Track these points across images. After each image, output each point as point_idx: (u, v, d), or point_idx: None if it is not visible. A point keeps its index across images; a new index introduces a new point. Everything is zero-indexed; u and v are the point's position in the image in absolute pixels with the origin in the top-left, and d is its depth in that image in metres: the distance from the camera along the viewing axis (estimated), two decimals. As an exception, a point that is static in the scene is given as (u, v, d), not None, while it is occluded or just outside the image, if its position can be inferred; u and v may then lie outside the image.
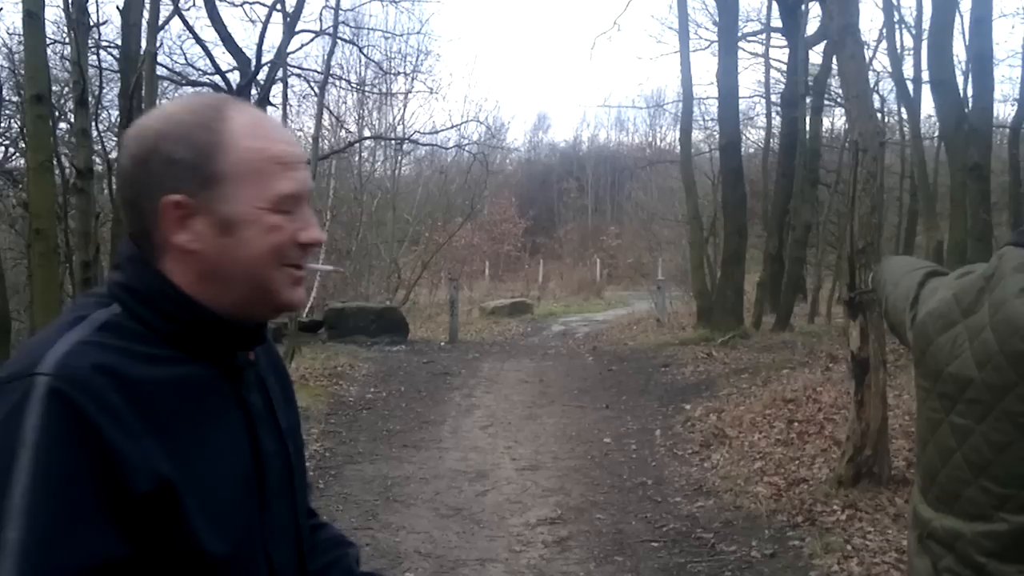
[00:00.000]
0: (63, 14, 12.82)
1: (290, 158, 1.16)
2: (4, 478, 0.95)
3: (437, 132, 23.13)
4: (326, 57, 18.25)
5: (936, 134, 17.74)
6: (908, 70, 18.38)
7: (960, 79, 13.90)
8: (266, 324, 1.24)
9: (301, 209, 1.16)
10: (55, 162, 11.20)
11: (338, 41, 18.05)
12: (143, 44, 11.00)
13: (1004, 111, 22.50)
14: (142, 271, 1.13)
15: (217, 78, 15.68)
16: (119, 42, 13.78)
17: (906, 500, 5.59)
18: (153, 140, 1.11)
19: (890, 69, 18.13)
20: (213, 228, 1.12)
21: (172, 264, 1.13)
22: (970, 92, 11.98)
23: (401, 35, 20.25)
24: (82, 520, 0.96)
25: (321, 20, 17.33)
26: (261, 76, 15.07)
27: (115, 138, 16.36)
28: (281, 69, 15.97)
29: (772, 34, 22.49)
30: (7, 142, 19.78)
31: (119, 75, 14.40)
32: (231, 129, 1.13)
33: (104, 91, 16.45)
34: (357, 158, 25.92)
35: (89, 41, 13.82)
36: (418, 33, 23.74)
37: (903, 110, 20.29)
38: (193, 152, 1.11)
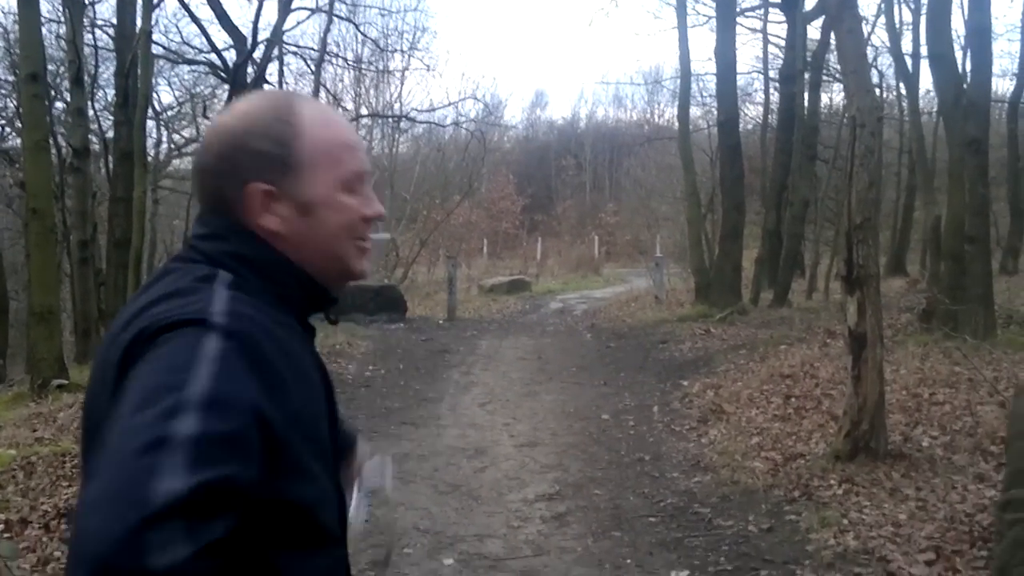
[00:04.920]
0: (57, -8, 12.77)
1: (355, 143, 1.29)
2: (181, 380, 0.96)
3: (434, 110, 23.17)
4: (322, 35, 18.26)
5: (934, 109, 17.72)
6: (907, 45, 18.36)
7: (959, 54, 13.87)
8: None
9: (362, 189, 1.28)
10: (51, 141, 11.20)
11: (334, 18, 18.03)
12: (138, 22, 10.95)
13: (1003, 86, 22.53)
14: (250, 241, 1.21)
15: (213, 56, 15.63)
16: (114, 20, 13.74)
17: (902, 475, 5.62)
18: (237, 136, 1.22)
19: (888, 44, 18.13)
20: (295, 211, 1.22)
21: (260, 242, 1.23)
22: (968, 67, 11.94)
23: (398, 12, 20.39)
24: (240, 442, 0.95)
25: (317, -3, 17.20)
26: (257, 54, 15.02)
27: (111, 117, 16.33)
28: (277, 47, 15.94)
29: (770, 9, 22.42)
30: (3, 122, 19.75)
31: (115, 54, 14.39)
32: (303, 120, 1.24)
33: (100, 70, 16.39)
34: (354, 136, 25.83)
35: (84, 20, 13.76)
36: (415, 10, 23.69)
37: (901, 85, 20.32)
38: (273, 144, 1.22)
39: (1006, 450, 1.38)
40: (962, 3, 15.64)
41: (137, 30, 10.83)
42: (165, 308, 1.07)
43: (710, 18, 19.32)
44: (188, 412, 0.92)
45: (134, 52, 10.34)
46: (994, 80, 15.21)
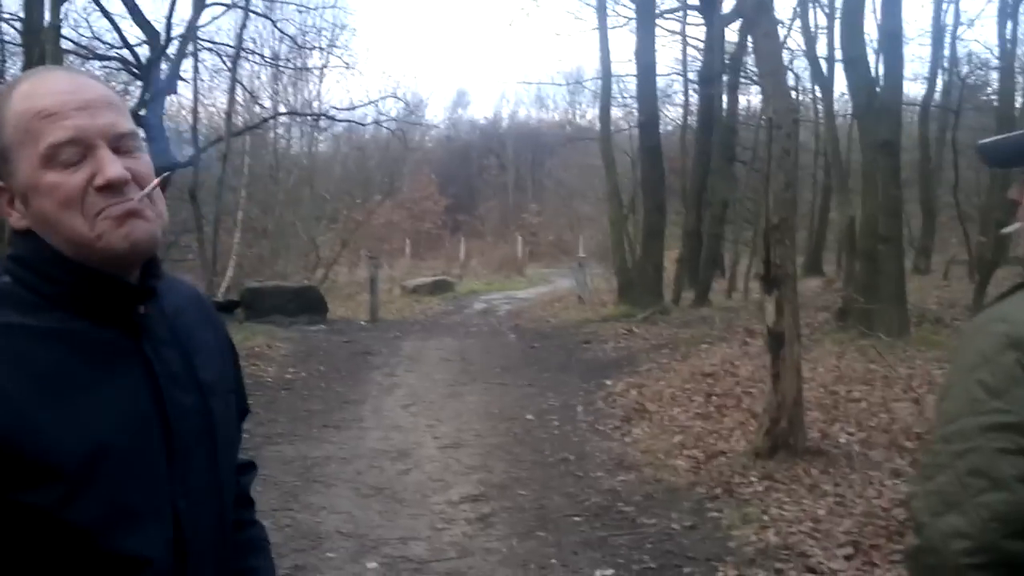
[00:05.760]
0: (-39, -16, 12.32)
1: (57, 107, 1.11)
2: None
3: (354, 108, 22.83)
4: (238, 31, 17.91)
5: (849, 112, 18.14)
6: (822, 48, 18.81)
7: (872, 57, 14.22)
8: (154, 276, 1.22)
9: (92, 155, 1.12)
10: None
11: (250, 14, 17.74)
12: (47, 16, 10.59)
13: (914, 89, 23.20)
14: (26, 241, 1.16)
15: (126, 52, 15.24)
16: (21, 14, 13.27)
17: (821, 471, 5.71)
18: None
19: (804, 47, 18.48)
20: (22, 203, 1.14)
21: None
22: (881, 70, 12.23)
23: (315, 8, 19.89)
24: None
25: (233, -8, 16.90)
26: (171, 50, 14.69)
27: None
28: (192, 43, 15.60)
29: (689, 11, 22.68)
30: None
31: (22, 49, 13.88)
32: (10, 102, 1.14)
33: (7, 64, 15.80)
34: (272, 134, 25.47)
35: (-11, 12, 13.30)
36: (333, 7, 23.31)
37: (817, 88, 20.78)
38: None
39: (942, 393, 1.38)
40: (875, 7, 16.03)
41: (45, 24, 10.47)
42: None
43: (630, 19, 19.48)
44: None
45: (42, 47, 10.01)
46: (906, 84, 15.65)
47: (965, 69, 22.89)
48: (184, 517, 1.17)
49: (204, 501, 1.22)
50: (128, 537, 1.10)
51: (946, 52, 22.06)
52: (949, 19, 21.80)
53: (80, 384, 1.10)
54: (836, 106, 19.08)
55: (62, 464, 1.05)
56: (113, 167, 1.11)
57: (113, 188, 1.11)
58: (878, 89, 11.48)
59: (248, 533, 1.43)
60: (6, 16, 14.48)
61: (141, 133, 1.20)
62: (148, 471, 1.14)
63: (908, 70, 24.52)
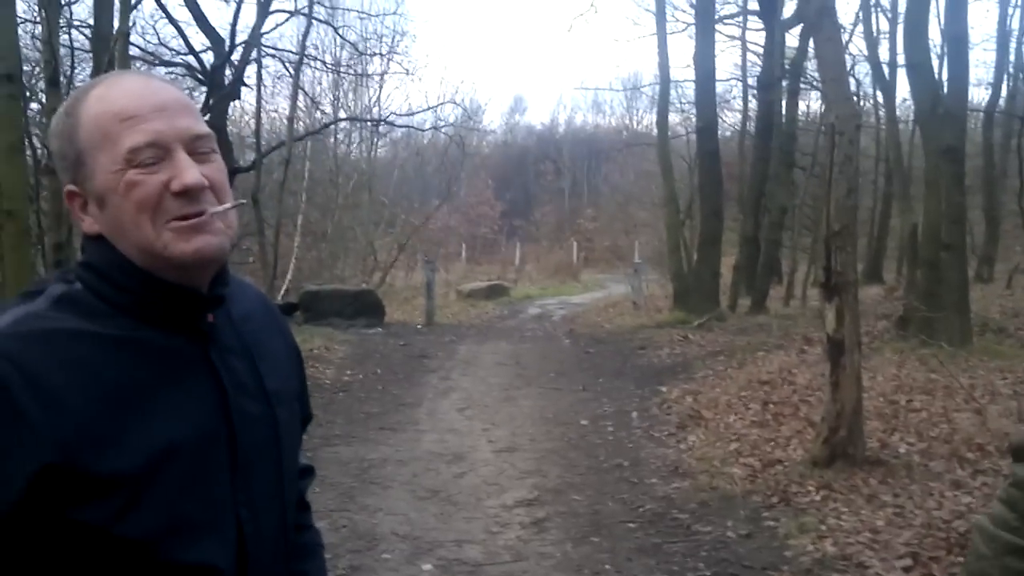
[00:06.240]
0: (34, -8, 12.64)
1: (134, 111, 1.11)
2: None
3: (413, 114, 22.93)
4: (301, 37, 18.18)
5: (911, 117, 17.87)
6: (884, 53, 18.49)
7: (935, 62, 13.99)
8: (223, 284, 1.22)
9: (170, 158, 1.11)
10: (26, 143, 11.07)
11: (313, 21, 17.94)
12: (116, 23, 10.84)
13: (978, 95, 22.74)
14: (98, 247, 1.16)
15: (191, 58, 15.54)
16: (91, 21, 13.59)
17: (880, 481, 5.64)
18: (51, 139, 1.17)
19: (866, 52, 18.22)
20: (96, 206, 1.14)
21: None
22: (945, 75, 12.03)
23: (377, 15, 20.28)
24: None
25: (296, 0, 17.15)
26: (236, 57, 14.95)
27: (87, 119, 16.13)
28: (255, 49, 15.85)
29: (749, 16, 22.51)
30: (-23, 122, 19.48)
31: (91, 55, 14.22)
32: (84, 105, 1.14)
33: (76, 71, 16.21)
34: (333, 140, 25.77)
35: (61, 20, 13.63)
36: (394, 14, 23.47)
37: (879, 93, 20.42)
38: (65, 141, 1.15)
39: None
40: (939, 12, 15.76)
41: (114, 31, 10.72)
42: None
43: (689, 25, 19.44)
44: None
45: (111, 53, 10.22)
46: (970, 89, 15.37)
47: (1032, 75, 22.42)
48: (247, 526, 1.17)
49: (267, 510, 1.22)
50: (188, 549, 1.11)
51: (1011, 58, 21.62)
52: (1015, 24, 21.39)
53: (145, 394, 1.10)
54: (898, 111, 18.83)
55: (121, 477, 1.05)
56: (191, 173, 1.11)
57: (190, 194, 1.11)
58: (942, 94, 11.30)
59: (303, 537, 1.43)
60: (76, 23, 14.87)
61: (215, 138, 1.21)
62: (211, 481, 1.14)
63: (972, 75, 24.03)
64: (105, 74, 1.23)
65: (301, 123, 20.99)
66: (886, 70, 16.89)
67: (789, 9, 18.58)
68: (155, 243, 1.11)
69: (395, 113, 22.97)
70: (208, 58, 15.18)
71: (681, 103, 25.57)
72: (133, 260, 1.13)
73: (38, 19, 13.69)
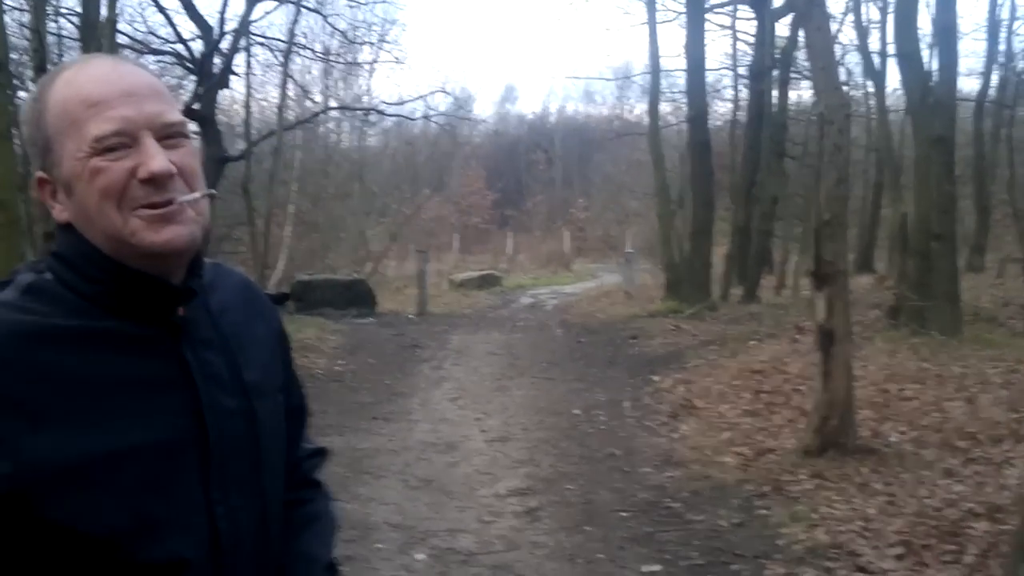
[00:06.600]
0: (21, -20, 12.56)
1: (101, 96, 1.08)
2: None
3: (404, 103, 22.83)
4: (290, 25, 18.09)
5: (902, 107, 17.87)
6: (874, 43, 18.53)
7: (925, 52, 13.98)
8: (195, 276, 1.19)
9: (137, 145, 1.08)
10: (14, 131, 11.01)
11: (302, 9, 17.86)
12: (103, 11, 10.78)
13: (968, 84, 22.73)
14: (67, 237, 1.14)
15: (180, 47, 15.47)
16: (79, 9, 13.51)
17: (871, 470, 5.66)
18: (21, 125, 1.16)
19: (856, 42, 18.23)
20: (64, 194, 1.12)
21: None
22: (935, 65, 12.03)
23: (366, 3, 19.93)
24: None
25: (286, -12, 17.08)
26: (224, 45, 14.89)
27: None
28: (244, 38, 15.78)
29: (739, 6, 22.45)
30: (-35, 112, 19.37)
31: (79, 43, 14.14)
32: (52, 90, 1.11)
33: (64, 59, 16.16)
34: (323, 129, 25.69)
35: (48, 8, 13.55)
36: (384, 1, 23.39)
37: (869, 83, 20.48)
38: (33, 127, 1.13)
39: None
40: (929, 1, 15.77)
41: (102, 19, 10.66)
42: None
43: (679, 14, 19.34)
44: None
45: (99, 41, 10.18)
46: (960, 79, 15.36)
47: (1021, 64, 22.39)
48: (221, 523, 1.15)
49: (245, 505, 1.19)
50: (154, 546, 1.08)
51: (1001, 47, 21.58)
52: (1005, 13, 21.37)
53: (108, 390, 1.07)
54: (889, 101, 18.78)
55: (82, 477, 1.04)
56: (158, 160, 1.08)
57: (157, 182, 1.08)
58: (932, 84, 11.31)
59: (300, 511, 1.39)
60: (64, 11, 14.77)
61: (192, 125, 1.18)
62: (179, 478, 1.11)
63: (962, 65, 24.10)
64: (75, 58, 1.22)
65: (291, 112, 20.94)
66: (877, 60, 16.95)
67: (779, -1, 18.57)
68: (122, 231, 1.08)
69: (385, 102, 22.92)
70: (197, 47, 15.13)
71: (672, 92, 25.48)
72: (101, 249, 1.10)
73: (25, 6, 13.61)
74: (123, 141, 1.07)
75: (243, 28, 15.23)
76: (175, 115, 1.13)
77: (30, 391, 1.03)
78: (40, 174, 1.12)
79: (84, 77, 1.10)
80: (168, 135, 1.11)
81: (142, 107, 1.09)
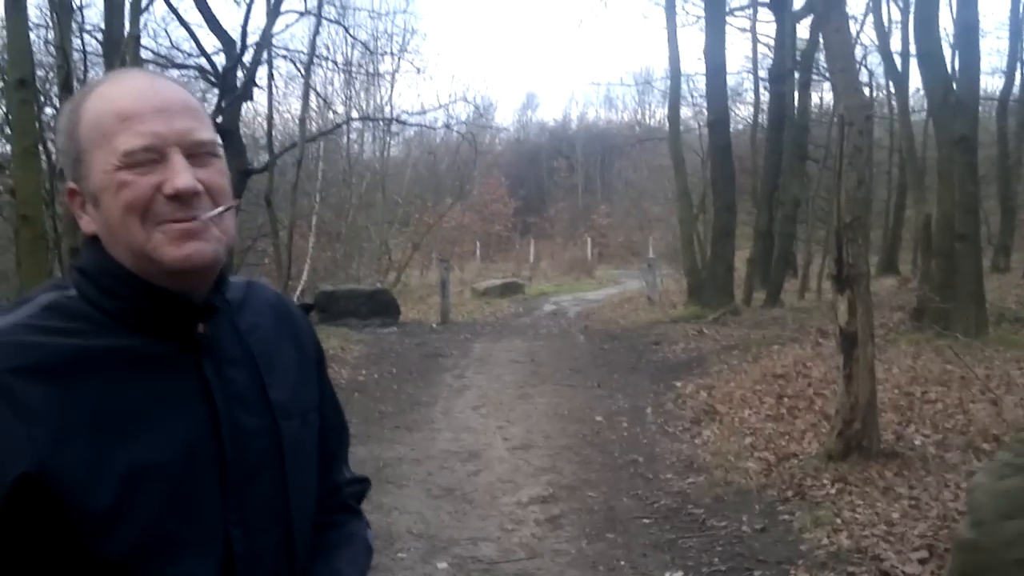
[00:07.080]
0: (46, -2, 12.72)
1: (134, 111, 1.09)
2: None
3: (425, 112, 23.07)
4: (311, 38, 18.16)
5: (924, 107, 17.76)
6: (896, 43, 18.38)
7: (947, 52, 13.89)
8: (219, 293, 1.19)
9: (166, 161, 1.08)
10: (41, 147, 11.15)
11: (323, 21, 17.96)
12: (127, 27, 10.90)
13: (992, 83, 22.59)
14: (92, 251, 1.14)
15: (202, 60, 15.61)
16: (103, 25, 13.67)
17: (895, 473, 5.62)
18: (56, 135, 1.15)
19: (877, 42, 18.11)
20: (92, 206, 1.12)
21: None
22: (957, 65, 11.95)
23: (387, 14, 20.23)
24: None
25: (306, 0, 17.20)
26: (247, 58, 14.99)
27: (101, 123, 16.21)
28: (266, 51, 15.88)
29: (759, 8, 22.43)
30: (-8, 128, 19.62)
31: (103, 59, 14.30)
32: (87, 102, 1.12)
33: (89, 75, 16.31)
34: (345, 140, 25.79)
35: (72, 24, 13.71)
36: (404, 12, 23.61)
37: (891, 84, 20.29)
38: (68, 138, 1.13)
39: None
40: (950, 1, 15.67)
41: (125, 35, 10.78)
42: None
43: (699, 18, 19.36)
44: None
45: (123, 57, 10.28)
46: (983, 78, 15.28)
47: (1046, 62, 22.20)
48: (237, 545, 1.12)
49: (265, 528, 1.17)
50: (167, 567, 1.07)
51: (1025, 45, 21.43)
52: (1029, 11, 21.16)
53: (127, 411, 1.06)
54: (911, 102, 18.69)
55: (95, 498, 1.02)
56: (184, 177, 1.08)
57: (182, 198, 1.08)
58: (954, 84, 11.24)
59: (330, 533, 1.37)
60: (88, 28, 14.95)
61: (219, 141, 1.19)
62: (196, 499, 1.10)
63: (986, 64, 23.93)
64: (111, 72, 1.21)
65: (313, 123, 21.01)
66: (898, 60, 16.79)
67: (799, 1, 18.52)
68: (144, 245, 1.08)
69: (407, 112, 23.04)
70: (220, 60, 15.25)
71: (693, 97, 25.54)
72: (124, 264, 1.10)
73: (50, 24, 13.78)
74: (152, 156, 1.08)
75: (265, 41, 15.32)
76: (206, 133, 1.13)
77: (47, 401, 1.02)
78: (71, 185, 1.13)
79: (119, 91, 1.11)
80: (198, 152, 1.11)
81: (173, 123, 1.10)
